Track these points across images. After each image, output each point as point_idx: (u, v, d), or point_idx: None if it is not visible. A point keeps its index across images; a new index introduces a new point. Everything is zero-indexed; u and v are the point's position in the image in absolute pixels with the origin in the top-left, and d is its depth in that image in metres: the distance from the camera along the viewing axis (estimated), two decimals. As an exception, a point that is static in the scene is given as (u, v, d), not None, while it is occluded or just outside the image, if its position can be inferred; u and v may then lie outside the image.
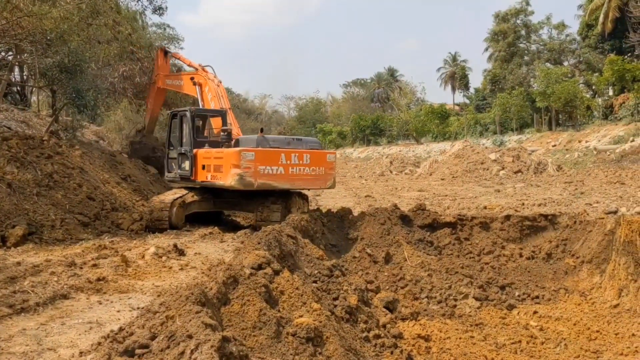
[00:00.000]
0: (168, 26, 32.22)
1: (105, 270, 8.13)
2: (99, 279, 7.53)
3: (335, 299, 5.03)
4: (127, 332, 3.55)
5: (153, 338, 3.03)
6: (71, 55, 14.61)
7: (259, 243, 5.01)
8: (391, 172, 38.08)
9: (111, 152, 19.50)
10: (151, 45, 22.94)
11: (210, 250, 10.36)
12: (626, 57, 38.34)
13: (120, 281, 7.66)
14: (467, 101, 66.33)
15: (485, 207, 14.97)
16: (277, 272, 4.45)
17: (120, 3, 19.68)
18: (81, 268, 8.22)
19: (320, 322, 4.02)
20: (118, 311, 6.27)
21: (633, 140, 28.38)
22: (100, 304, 6.58)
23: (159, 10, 19.64)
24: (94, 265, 8.41)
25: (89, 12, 15.27)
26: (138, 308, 6.16)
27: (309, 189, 13.65)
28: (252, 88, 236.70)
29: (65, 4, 14.03)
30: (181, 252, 9.65)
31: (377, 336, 4.78)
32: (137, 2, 19.69)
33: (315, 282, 5.22)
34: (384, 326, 5.18)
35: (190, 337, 2.82)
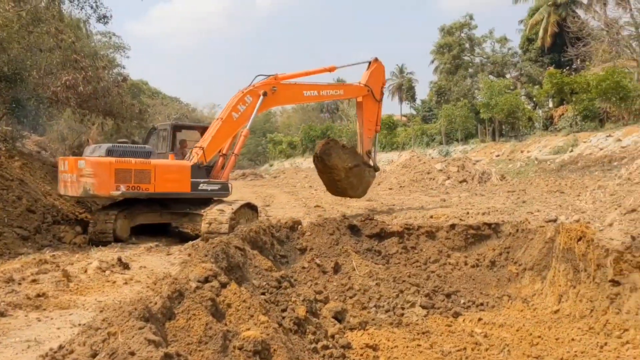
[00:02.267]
0: (114, 34, 31.67)
1: (45, 286, 7.84)
2: (38, 295, 7.26)
3: (284, 310, 5.01)
4: (67, 350, 3.43)
5: (94, 356, 2.94)
6: (11, 63, 14.13)
7: (205, 255, 4.94)
8: (340, 182, 38.19)
9: (53, 163, 18.89)
10: (96, 54, 22.42)
11: (156, 264, 10.15)
12: (564, 70, 39.82)
13: (61, 297, 7.41)
14: (414, 112, 67.48)
15: (431, 217, 15.22)
16: (224, 285, 4.40)
17: (64, 11, 19.19)
18: (19, 284, 7.91)
19: (268, 334, 3.99)
20: (58, 328, 6.06)
21: (572, 151, 29.46)
22: (40, 321, 6.34)
23: (103, 18, 19.20)
24: (34, 281, 8.11)
25: (30, 19, 14.85)
26: (79, 325, 5.96)
27: (71, 197, 12.91)
28: (202, 98, 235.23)
29: (4, 12, 13.56)
30: (126, 266, 9.42)
31: (326, 347, 4.79)
32: (81, 10, 19.22)
33: (263, 294, 5.19)
34: (333, 337, 5.19)
35: (132, 354, 2.75)
